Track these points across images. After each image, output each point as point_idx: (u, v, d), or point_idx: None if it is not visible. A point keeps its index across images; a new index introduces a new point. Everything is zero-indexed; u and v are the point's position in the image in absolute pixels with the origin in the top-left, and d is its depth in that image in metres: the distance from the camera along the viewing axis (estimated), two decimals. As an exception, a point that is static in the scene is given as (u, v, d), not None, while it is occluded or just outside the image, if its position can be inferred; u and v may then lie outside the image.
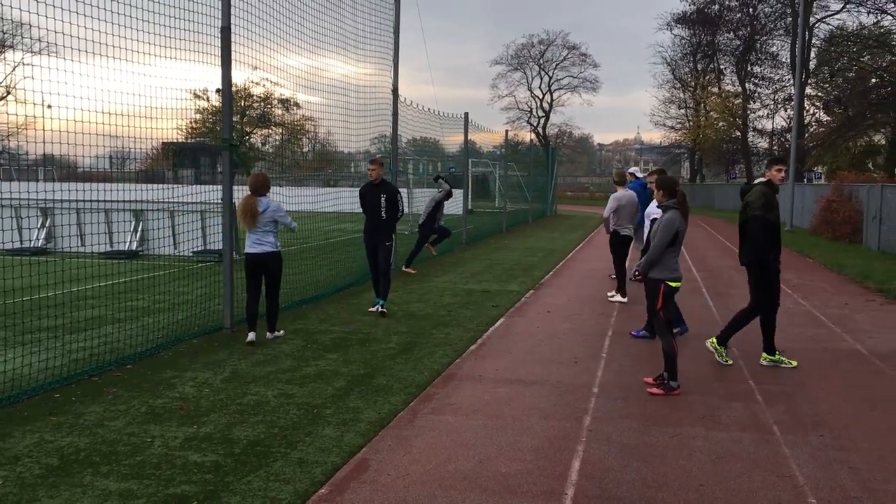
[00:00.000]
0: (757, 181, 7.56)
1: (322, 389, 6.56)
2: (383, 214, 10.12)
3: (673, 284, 6.69)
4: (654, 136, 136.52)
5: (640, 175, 13.98)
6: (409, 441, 5.41)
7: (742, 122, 55.70)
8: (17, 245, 16.28)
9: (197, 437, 5.35)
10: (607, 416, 6.00)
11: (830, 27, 45.42)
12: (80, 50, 6.56)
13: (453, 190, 14.73)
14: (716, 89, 58.23)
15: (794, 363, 7.65)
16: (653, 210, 8.79)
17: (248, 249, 8.10)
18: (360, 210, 10.39)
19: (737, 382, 7.09)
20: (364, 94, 13.00)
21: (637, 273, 6.83)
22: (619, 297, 11.49)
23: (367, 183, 10.45)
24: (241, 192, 10.38)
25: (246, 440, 5.32)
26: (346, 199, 13.68)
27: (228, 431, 5.49)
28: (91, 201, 12.32)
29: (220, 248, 9.43)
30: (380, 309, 10.12)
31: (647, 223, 9.15)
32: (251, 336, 8.19)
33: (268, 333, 8.43)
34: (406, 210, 11.90)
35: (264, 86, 55.22)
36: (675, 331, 8.71)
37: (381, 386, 6.71)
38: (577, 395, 6.58)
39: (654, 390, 6.66)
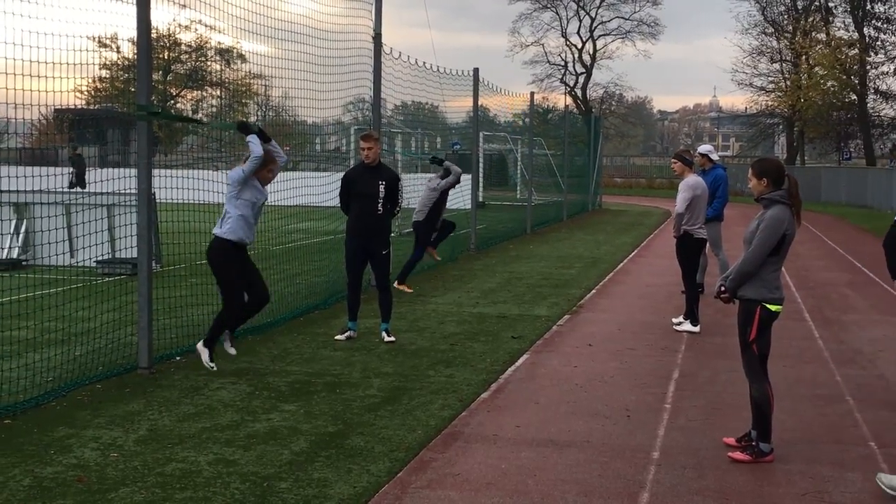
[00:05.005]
0: None
1: (276, 454, 6.55)
2: (380, 209, 10.24)
3: (772, 308, 6.67)
4: (737, 101, 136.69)
5: (715, 158, 13.94)
6: (396, 526, 5.40)
7: (860, 80, 55.68)
8: None
9: (101, 521, 5.34)
10: (672, 493, 5.99)
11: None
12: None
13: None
14: (823, 35, 58.27)
15: None
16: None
17: None
18: (339, 204, 10.44)
19: (853, 444, 7.07)
20: (334, 44, 13.02)
21: (722, 289, 6.81)
22: (688, 326, 11.49)
23: (357, 165, 10.45)
24: (163, 180, 10.39)
25: (169, 525, 5.32)
26: (309, 188, 13.70)
27: (145, 513, 5.46)
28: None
29: (135, 256, 9.45)
30: (386, 338, 10.45)
31: None
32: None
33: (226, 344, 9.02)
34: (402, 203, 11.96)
35: (196, 31, 55.53)
36: None
37: (358, 449, 6.71)
38: (629, 462, 6.57)
39: (738, 455, 6.65)
